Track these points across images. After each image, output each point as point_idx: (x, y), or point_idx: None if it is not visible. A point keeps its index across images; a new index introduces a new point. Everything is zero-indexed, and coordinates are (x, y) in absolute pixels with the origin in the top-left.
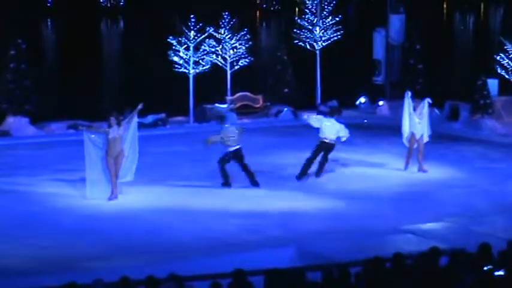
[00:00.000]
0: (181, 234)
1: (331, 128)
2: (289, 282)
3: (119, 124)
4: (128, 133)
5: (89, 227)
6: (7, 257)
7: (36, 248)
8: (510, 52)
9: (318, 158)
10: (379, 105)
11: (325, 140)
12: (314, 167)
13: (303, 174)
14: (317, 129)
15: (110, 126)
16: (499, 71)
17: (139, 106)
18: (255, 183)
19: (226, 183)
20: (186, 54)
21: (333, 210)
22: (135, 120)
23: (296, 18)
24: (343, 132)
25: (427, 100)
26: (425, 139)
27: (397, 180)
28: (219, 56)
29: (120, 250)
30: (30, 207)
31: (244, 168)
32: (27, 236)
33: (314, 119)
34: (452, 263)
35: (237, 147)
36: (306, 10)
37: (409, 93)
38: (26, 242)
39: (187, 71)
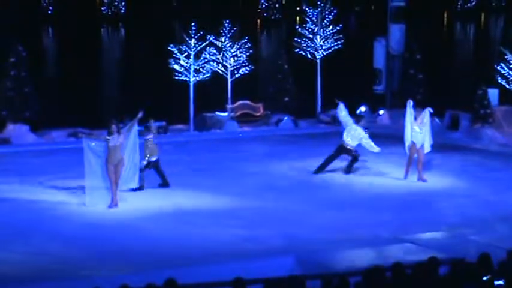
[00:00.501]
0: (181, 243)
1: (355, 135)
2: None
3: (118, 132)
4: (128, 141)
5: (88, 234)
6: (6, 263)
7: (34, 256)
8: (510, 62)
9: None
10: (379, 114)
11: (345, 144)
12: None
13: (320, 169)
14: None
15: (110, 134)
16: (499, 80)
17: (140, 114)
18: (166, 185)
19: (142, 187)
20: (187, 62)
21: (332, 219)
22: (136, 128)
23: (297, 27)
24: (364, 140)
25: (428, 109)
26: (427, 149)
27: (396, 190)
28: (220, 64)
29: (119, 258)
30: (29, 215)
31: (161, 174)
32: (26, 243)
33: (345, 117)
34: (452, 272)
35: (157, 157)
36: (307, 19)
37: (411, 102)
38: (25, 249)
39: (187, 79)
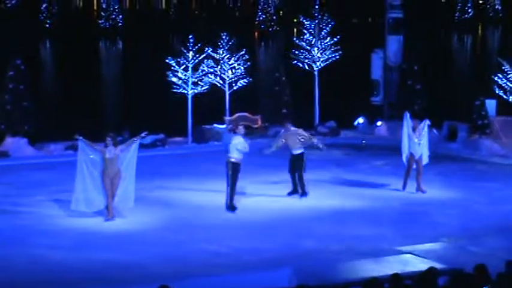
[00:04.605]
0: (177, 255)
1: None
2: None
3: (115, 145)
4: (126, 154)
5: (84, 247)
6: (3, 274)
7: (32, 267)
8: (508, 72)
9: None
10: (377, 126)
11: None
12: None
13: None
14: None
15: (106, 146)
16: (497, 91)
17: (143, 134)
18: None
19: None
20: (185, 75)
21: (330, 231)
22: (136, 144)
23: (294, 38)
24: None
25: (427, 121)
26: (425, 160)
27: (395, 201)
28: (218, 77)
29: (117, 270)
30: (27, 228)
31: None
32: (24, 254)
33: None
34: (451, 283)
35: None
36: (304, 31)
37: (408, 114)
38: (22, 260)
39: (185, 91)
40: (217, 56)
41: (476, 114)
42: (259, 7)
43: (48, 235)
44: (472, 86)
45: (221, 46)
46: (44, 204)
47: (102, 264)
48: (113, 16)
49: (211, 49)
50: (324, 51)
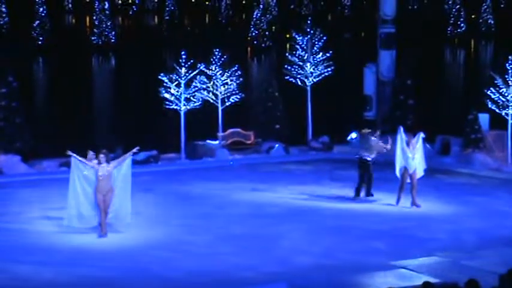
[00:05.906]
0: (173, 272)
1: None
2: None
3: (108, 161)
4: (119, 171)
5: (78, 265)
6: None
7: (22, 285)
8: (501, 87)
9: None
10: None
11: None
12: None
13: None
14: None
15: (99, 163)
16: (490, 105)
17: (135, 149)
18: None
19: None
20: (177, 91)
21: (325, 246)
22: (129, 161)
23: (287, 54)
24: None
25: (421, 134)
26: (420, 173)
27: (389, 215)
28: (210, 93)
29: None
30: (20, 244)
31: None
32: (17, 271)
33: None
34: None
35: None
36: (297, 46)
37: (401, 128)
38: (15, 276)
39: (178, 107)
40: (209, 72)
41: (470, 128)
42: (252, 23)
43: (41, 252)
44: (465, 100)
45: (214, 62)
46: (37, 222)
47: (93, 281)
48: (106, 33)
49: (203, 65)
50: (316, 66)
